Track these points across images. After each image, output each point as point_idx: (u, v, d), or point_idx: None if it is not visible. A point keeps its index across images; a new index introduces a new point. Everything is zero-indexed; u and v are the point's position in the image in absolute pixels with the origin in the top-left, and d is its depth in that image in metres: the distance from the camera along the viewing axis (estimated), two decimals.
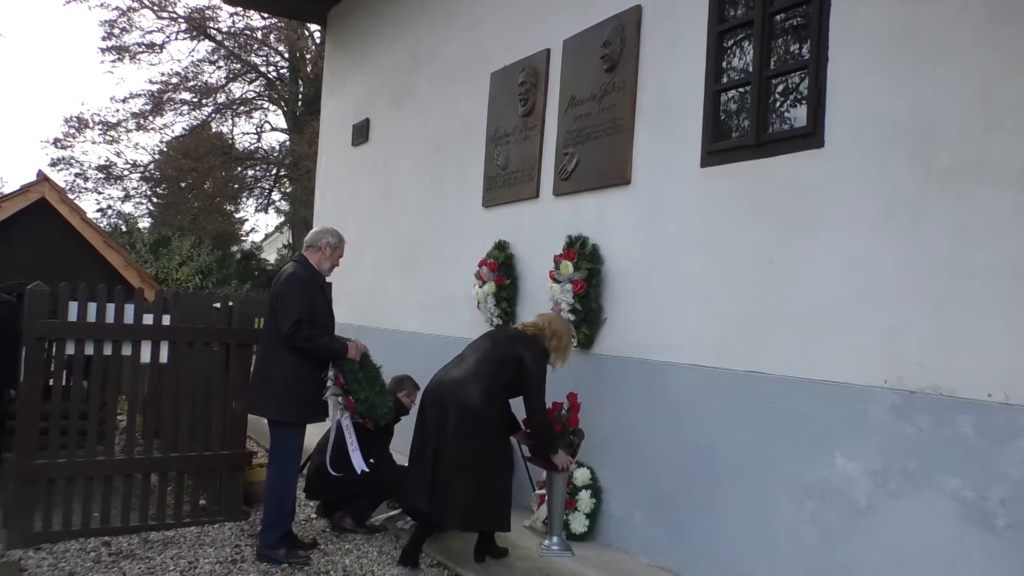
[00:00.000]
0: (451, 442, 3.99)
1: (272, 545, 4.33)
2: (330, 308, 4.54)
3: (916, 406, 3.18)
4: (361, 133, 8.71)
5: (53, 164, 20.86)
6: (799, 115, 3.87)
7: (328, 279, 4.59)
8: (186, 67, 20.90)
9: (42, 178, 7.64)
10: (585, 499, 4.67)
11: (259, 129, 22.51)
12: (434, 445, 4.03)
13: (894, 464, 3.25)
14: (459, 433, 3.99)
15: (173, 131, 21.27)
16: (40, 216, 7.42)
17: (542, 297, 5.19)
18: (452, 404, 4.04)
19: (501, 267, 5.70)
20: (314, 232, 4.65)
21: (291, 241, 24.08)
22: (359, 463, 4.43)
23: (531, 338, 4.30)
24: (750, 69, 4.09)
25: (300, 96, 21.49)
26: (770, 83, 4.01)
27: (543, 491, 4.75)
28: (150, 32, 20.33)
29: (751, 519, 3.82)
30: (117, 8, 19.88)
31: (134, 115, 20.68)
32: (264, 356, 4.46)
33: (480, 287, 5.77)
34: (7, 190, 21.33)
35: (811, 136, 3.70)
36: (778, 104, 4.03)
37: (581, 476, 4.71)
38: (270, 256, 30.40)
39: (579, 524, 4.64)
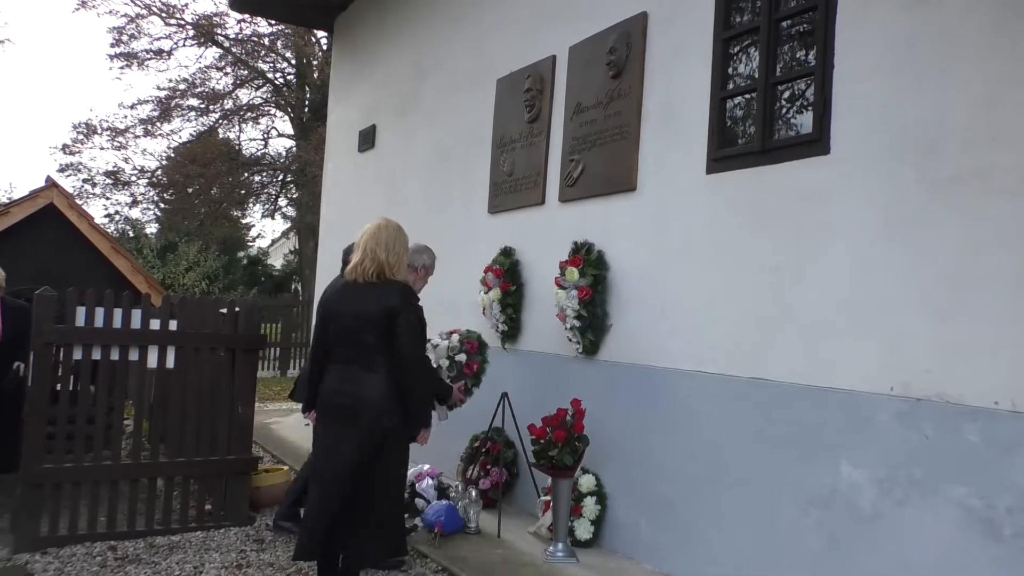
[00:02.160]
0: None
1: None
2: None
3: (922, 414, 3.17)
4: (367, 139, 8.73)
5: (61, 170, 20.94)
6: (805, 122, 3.87)
7: None
8: (193, 73, 20.97)
9: (51, 184, 7.69)
10: (590, 505, 4.66)
11: (266, 135, 22.59)
12: None
13: (900, 472, 3.24)
14: None
15: (180, 137, 21.36)
16: (48, 221, 7.46)
17: (548, 303, 5.19)
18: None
19: (507, 273, 5.71)
20: (411, 250, 4.51)
21: (297, 247, 24.13)
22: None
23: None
24: (756, 76, 4.10)
25: (307, 102, 21.55)
26: (776, 90, 4.02)
27: (548, 497, 4.75)
28: (158, 39, 20.42)
29: (756, 526, 3.81)
30: (126, 15, 20.00)
31: (142, 121, 20.76)
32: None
33: (486, 293, 5.78)
34: (16, 195, 21.47)
35: (817, 143, 3.70)
36: (784, 111, 4.03)
37: (586, 483, 4.70)
38: (276, 262, 30.48)
39: (584, 531, 4.63)
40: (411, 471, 5.01)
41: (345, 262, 4.45)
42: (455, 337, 4.95)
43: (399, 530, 3.74)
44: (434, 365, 4.71)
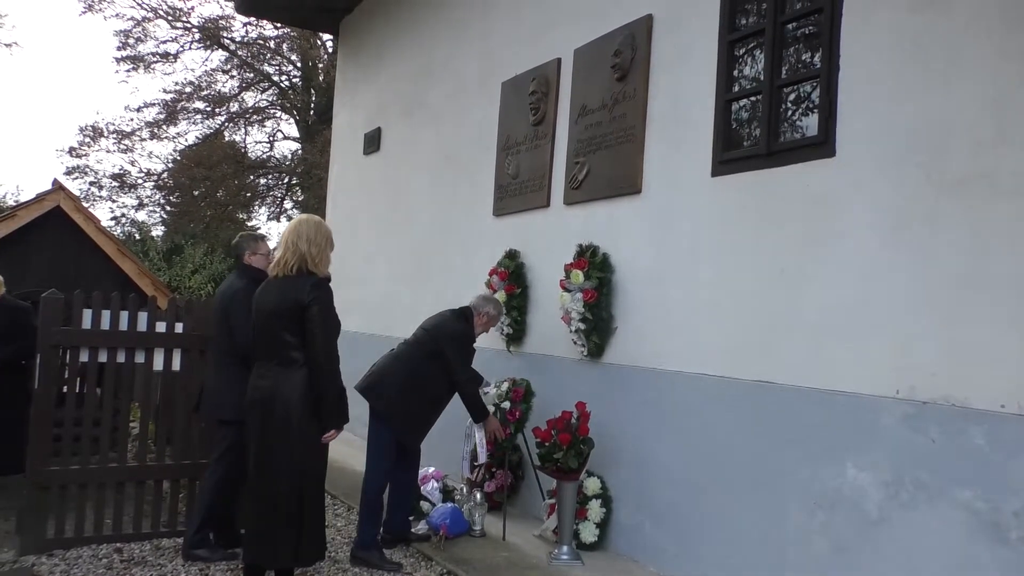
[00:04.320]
0: None
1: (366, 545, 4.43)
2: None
3: (928, 416, 3.16)
4: (373, 142, 8.75)
5: (68, 173, 21.02)
6: (810, 124, 3.86)
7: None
8: (199, 76, 21.05)
9: (57, 187, 7.72)
10: (595, 508, 4.66)
11: (271, 138, 22.64)
12: None
13: (906, 475, 3.22)
14: None
15: (186, 140, 21.42)
16: (55, 224, 7.49)
17: (552, 306, 5.19)
18: None
19: (512, 276, 5.71)
20: (482, 297, 5.11)
21: None
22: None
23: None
24: (761, 78, 4.09)
25: (312, 105, 21.59)
26: (781, 92, 4.01)
27: (553, 500, 4.74)
28: (164, 42, 20.51)
29: (761, 529, 3.80)
30: (132, 18, 20.08)
31: (148, 124, 20.83)
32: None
33: None
34: (23, 198, 21.54)
35: (823, 145, 3.70)
36: (789, 113, 4.03)
37: (592, 485, 4.70)
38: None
39: (589, 533, 4.62)
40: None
41: (237, 256, 4.53)
42: (505, 385, 5.04)
43: (321, 530, 3.75)
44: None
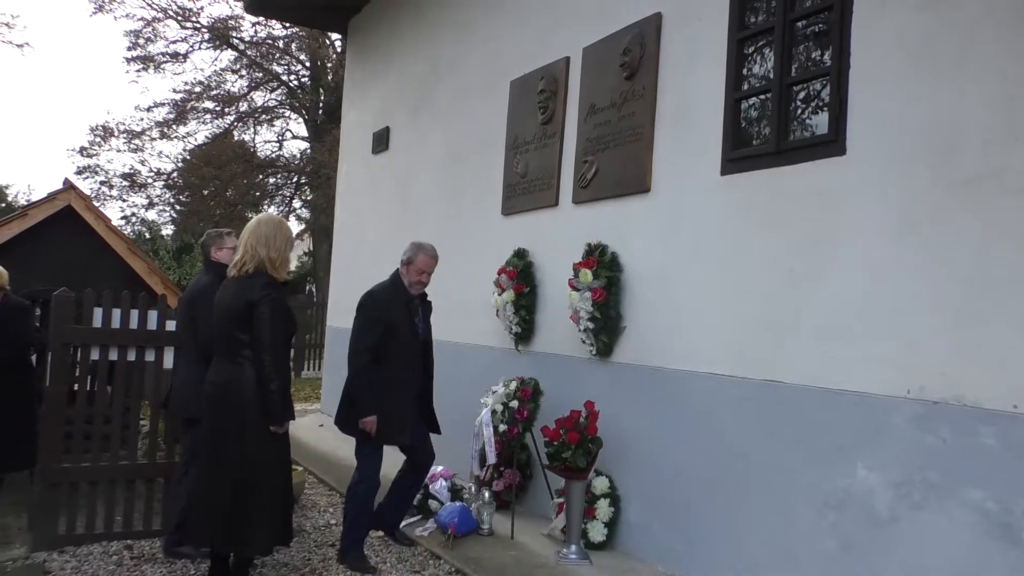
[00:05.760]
0: None
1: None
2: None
3: (939, 417, 3.15)
4: (381, 141, 8.76)
5: (79, 172, 21.12)
6: (820, 122, 3.85)
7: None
8: (209, 76, 21.10)
9: (68, 186, 7.76)
10: (604, 508, 4.65)
11: (280, 137, 22.71)
12: None
13: (916, 475, 3.21)
14: None
15: (196, 139, 21.48)
16: (66, 223, 7.53)
17: (561, 305, 5.19)
18: None
19: (520, 275, 5.71)
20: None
21: (311, 248, 24.21)
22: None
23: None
24: (771, 76, 4.08)
25: (321, 104, 21.63)
26: (791, 90, 3.99)
27: (561, 499, 4.74)
28: (174, 42, 20.57)
29: (770, 529, 3.79)
30: (142, 19, 20.15)
31: (158, 124, 20.90)
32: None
33: (499, 295, 5.78)
34: (34, 198, 21.67)
35: (833, 144, 3.68)
36: (799, 111, 4.01)
37: (600, 485, 4.69)
38: (291, 263, 30.62)
39: (597, 533, 4.62)
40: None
41: (204, 253, 4.54)
42: (513, 384, 5.02)
43: (278, 520, 3.80)
44: (491, 409, 4.95)
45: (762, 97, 4.16)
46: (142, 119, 21.09)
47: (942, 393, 3.15)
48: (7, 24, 28.01)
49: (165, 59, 20.68)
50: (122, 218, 22.14)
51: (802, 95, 4.00)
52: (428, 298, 4.86)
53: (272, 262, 3.77)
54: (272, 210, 23.34)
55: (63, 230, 7.52)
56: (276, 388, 3.69)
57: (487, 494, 5.05)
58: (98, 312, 4.66)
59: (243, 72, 21.28)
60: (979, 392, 3.03)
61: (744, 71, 4.27)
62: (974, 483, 3.01)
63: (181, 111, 20.90)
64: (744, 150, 4.17)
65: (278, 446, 3.83)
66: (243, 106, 21.56)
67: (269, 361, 3.66)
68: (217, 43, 20.54)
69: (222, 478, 3.69)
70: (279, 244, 3.81)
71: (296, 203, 23.27)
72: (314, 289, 21.73)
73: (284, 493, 3.90)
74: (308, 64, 21.38)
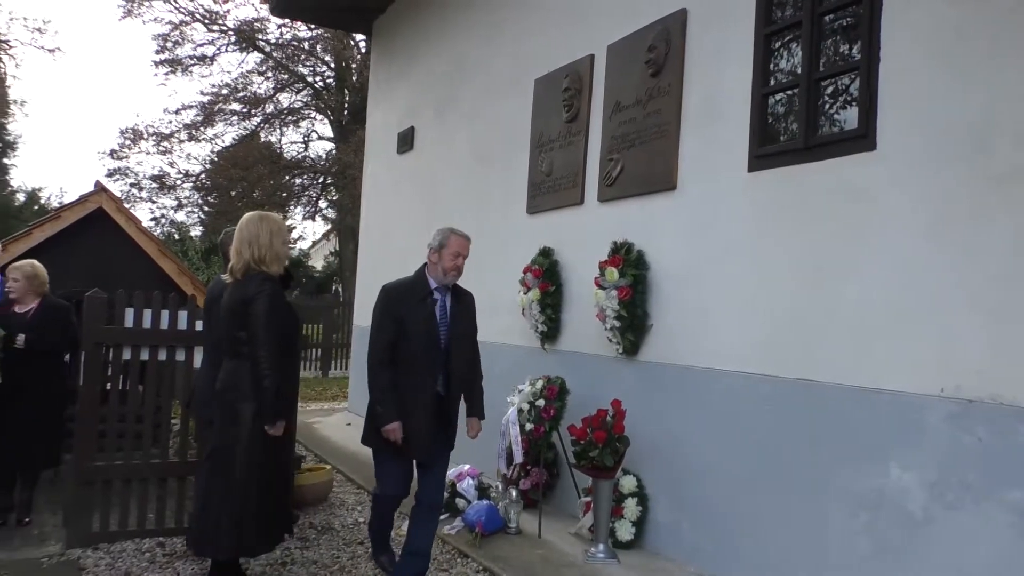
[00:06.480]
0: None
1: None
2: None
3: (975, 415, 3.09)
4: (406, 141, 8.79)
5: (110, 175, 21.43)
6: (850, 117, 3.79)
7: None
8: (235, 78, 21.33)
9: (100, 188, 7.87)
10: (631, 507, 4.63)
11: (306, 138, 22.88)
12: None
13: (952, 475, 3.16)
14: None
15: (223, 141, 21.71)
16: (98, 225, 7.63)
17: (587, 303, 5.17)
18: None
19: (546, 273, 5.70)
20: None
21: (337, 248, 24.37)
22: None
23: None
24: (799, 71, 4.03)
25: (346, 105, 21.76)
26: (819, 85, 3.94)
27: (589, 498, 4.73)
28: (201, 45, 20.80)
29: (801, 529, 3.75)
30: (170, 22, 20.42)
31: (186, 126, 21.15)
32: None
33: (525, 293, 5.78)
34: (67, 200, 22.03)
35: (863, 139, 3.63)
36: (827, 107, 3.96)
37: (627, 483, 4.67)
38: (317, 263, 30.85)
39: (625, 532, 4.60)
40: (451, 471, 5.04)
41: (223, 253, 4.58)
42: (539, 382, 5.02)
43: (251, 526, 3.75)
44: (518, 408, 4.94)
45: (789, 93, 4.11)
46: (170, 122, 21.36)
47: (978, 392, 3.09)
48: (39, 29, 28.62)
49: (192, 62, 20.92)
50: (152, 219, 22.46)
51: (830, 90, 3.94)
52: (463, 290, 4.43)
53: (260, 260, 3.76)
54: (298, 211, 23.57)
55: (95, 232, 7.62)
56: (269, 385, 3.62)
57: (514, 493, 5.05)
58: (129, 312, 4.73)
59: (269, 74, 21.48)
60: (1016, 390, 2.97)
61: (771, 66, 4.22)
62: (1012, 483, 2.95)
63: (208, 113, 21.14)
64: (772, 146, 4.13)
65: (279, 446, 3.82)
66: (269, 108, 21.77)
67: (263, 357, 3.63)
68: (243, 45, 20.74)
69: (219, 477, 3.72)
70: (264, 240, 3.77)
71: (322, 203, 23.43)
72: (340, 289, 21.88)
73: (271, 495, 3.80)
74: (333, 65, 21.52)
